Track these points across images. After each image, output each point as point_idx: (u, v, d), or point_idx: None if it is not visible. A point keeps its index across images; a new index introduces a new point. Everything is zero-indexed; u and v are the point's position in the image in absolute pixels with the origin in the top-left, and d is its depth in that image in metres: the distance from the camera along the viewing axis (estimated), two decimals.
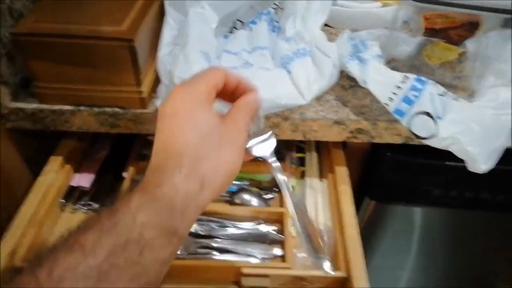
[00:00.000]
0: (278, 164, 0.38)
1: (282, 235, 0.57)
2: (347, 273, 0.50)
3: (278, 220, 0.59)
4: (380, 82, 0.51)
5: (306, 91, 0.53)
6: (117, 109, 0.56)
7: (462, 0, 0.49)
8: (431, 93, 0.50)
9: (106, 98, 0.56)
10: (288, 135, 0.56)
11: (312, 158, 0.67)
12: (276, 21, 0.64)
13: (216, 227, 0.59)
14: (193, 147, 0.30)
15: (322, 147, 0.69)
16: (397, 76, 0.51)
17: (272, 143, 0.38)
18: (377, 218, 0.77)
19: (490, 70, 0.57)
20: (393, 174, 0.63)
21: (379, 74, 0.51)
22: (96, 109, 0.57)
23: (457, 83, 0.57)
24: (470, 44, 0.57)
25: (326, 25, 0.72)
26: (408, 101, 0.50)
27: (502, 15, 0.50)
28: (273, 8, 0.65)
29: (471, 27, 0.52)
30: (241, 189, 0.63)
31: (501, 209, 0.67)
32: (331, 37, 0.65)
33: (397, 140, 0.56)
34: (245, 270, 0.52)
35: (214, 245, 0.57)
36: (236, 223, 0.60)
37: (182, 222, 0.29)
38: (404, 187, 0.64)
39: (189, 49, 0.53)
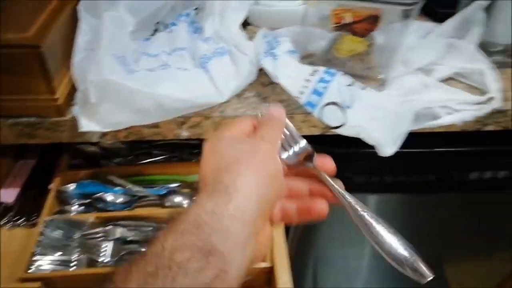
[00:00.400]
0: (321, 172, 0.35)
1: None
2: (272, 264, 0.52)
3: None
4: (291, 76, 0.53)
5: (224, 89, 0.54)
6: (32, 119, 0.55)
7: None
8: (339, 84, 0.52)
9: (20, 108, 0.55)
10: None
11: None
12: (198, 22, 0.65)
13: (147, 232, 0.59)
14: (213, 167, 0.30)
15: None
16: (307, 69, 0.53)
17: (308, 151, 0.35)
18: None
19: (397, 60, 0.61)
20: None
21: (289, 68, 0.53)
22: (10, 120, 0.55)
23: (368, 74, 0.60)
24: (377, 36, 0.60)
25: (249, 24, 0.74)
26: (317, 93, 0.52)
27: (400, 7, 0.53)
28: (195, 9, 0.66)
29: (374, 20, 0.56)
30: (172, 192, 0.63)
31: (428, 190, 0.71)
32: (254, 36, 0.66)
33: (314, 132, 0.59)
34: None
35: (143, 249, 0.57)
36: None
37: (218, 237, 0.25)
38: None
39: (102, 53, 0.52)
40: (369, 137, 0.52)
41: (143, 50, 0.60)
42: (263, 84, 0.61)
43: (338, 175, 0.67)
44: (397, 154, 0.62)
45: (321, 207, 0.34)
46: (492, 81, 0.60)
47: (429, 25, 0.67)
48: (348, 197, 0.33)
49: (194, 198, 0.30)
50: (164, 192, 0.62)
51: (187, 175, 0.65)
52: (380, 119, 0.53)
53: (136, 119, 0.54)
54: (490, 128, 0.62)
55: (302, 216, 0.34)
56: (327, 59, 0.61)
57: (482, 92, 0.61)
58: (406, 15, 0.54)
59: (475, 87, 0.63)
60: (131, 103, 0.52)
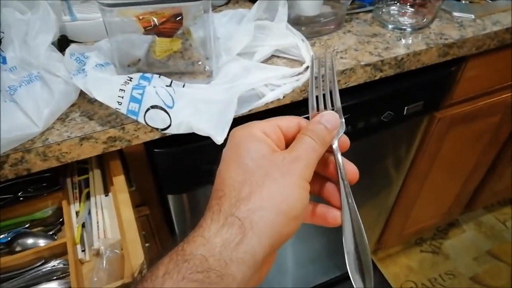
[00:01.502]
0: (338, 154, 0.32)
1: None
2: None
3: (66, 251, 0.57)
4: (104, 89, 0.52)
5: (37, 118, 0.52)
6: None
7: None
8: (154, 87, 0.53)
9: None
10: (40, 166, 0.54)
11: (95, 176, 0.66)
12: (2, 52, 0.60)
13: None
14: (235, 187, 0.26)
15: (104, 162, 0.68)
16: (119, 80, 0.53)
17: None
18: (201, 205, 0.80)
19: (219, 49, 0.64)
20: (170, 166, 0.66)
21: (100, 82, 0.52)
22: None
23: (193, 69, 0.62)
24: (195, 31, 0.62)
25: (72, 41, 0.71)
26: (135, 100, 0.52)
27: (193, 3, 0.55)
28: None
29: (177, 19, 0.57)
30: (20, 235, 0.59)
31: None
32: None
33: (154, 137, 0.59)
34: None
35: None
36: (23, 270, 0.56)
37: (223, 284, 0.23)
38: (190, 173, 0.68)
39: None
40: (198, 129, 0.54)
41: None
42: (90, 101, 0.59)
43: (197, 167, 0.68)
44: None
45: (335, 215, 0.31)
46: (306, 51, 0.66)
47: (242, 11, 0.70)
48: (348, 190, 0.31)
49: (204, 219, 0.26)
50: (9, 239, 0.58)
51: (33, 213, 0.61)
52: (205, 111, 0.55)
53: None
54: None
55: (316, 220, 0.32)
56: (149, 63, 0.61)
57: (302, 63, 0.67)
58: (205, 8, 0.56)
59: (296, 60, 0.68)
60: None
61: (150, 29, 0.58)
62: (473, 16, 0.78)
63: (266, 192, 0.26)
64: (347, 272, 0.28)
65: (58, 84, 0.54)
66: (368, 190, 1.11)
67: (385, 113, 0.79)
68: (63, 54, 0.59)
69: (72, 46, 0.58)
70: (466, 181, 1.33)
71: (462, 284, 1.44)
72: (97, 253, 0.58)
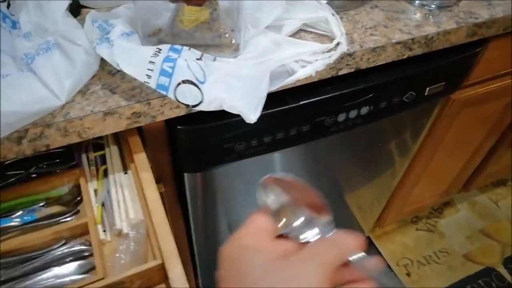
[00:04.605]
0: None
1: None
2: (162, 260, 0.49)
3: (85, 231, 0.55)
4: (132, 61, 0.48)
5: (59, 90, 0.48)
6: None
7: None
8: (186, 60, 0.49)
9: None
10: (60, 142, 0.51)
11: (112, 153, 0.63)
12: (13, 15, 0.55)
13: (17, 266, 0.52)
14: None
15: (120, 138, 0.65)
16: (148, 51, 0.49)
17: None
18: (214, 184, 0.78)
19: (246, 21, 0.60)
20: (191, 144, 0.63)
21: (128, 53, 0.48)
22: None
23: (219, 42, 0.58)
24: (221, 0, 0.58)
25: (84, 6, 0.66)
26: (165, 73, 0.48)
27: None
28: (3, 1, 0.55)
29: None
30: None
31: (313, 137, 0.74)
32: None
33: (179, 113, 0.56)
34: None
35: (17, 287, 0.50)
36: (41, 252, 0.53)
37: None
38: (210, 152, 0.65)
39: None
40: (230, 107, 0.51)
41: None
42: (111, 73, 0.55)
43: (218, 145, 0.65)
44: (270, 115, 0.63)
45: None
46: (336, 26, 0.63)
47: None
48: None
49: None
50: (29, 219, 0.55)
51: (49, 190, 0.57)
52: (237, 87, 0.51)
53: None
54: (344, 71, 0.65)
55: None
56: (174, 34, 0.57)
57: (331, 39, 0.64)
58: None
59: (324, 35, 0.65)
60: None
61: None
62: None
63: None
64: None
65: (79, 53, 0.50)
66: (374, 170, 1.11)
67: (407, 94, 0.77)
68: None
69: (93, 12, 0.53)
70: (466, 163, 1.35)
71: (456, 261, 1.48)
72: (119, 234, 0.56)
